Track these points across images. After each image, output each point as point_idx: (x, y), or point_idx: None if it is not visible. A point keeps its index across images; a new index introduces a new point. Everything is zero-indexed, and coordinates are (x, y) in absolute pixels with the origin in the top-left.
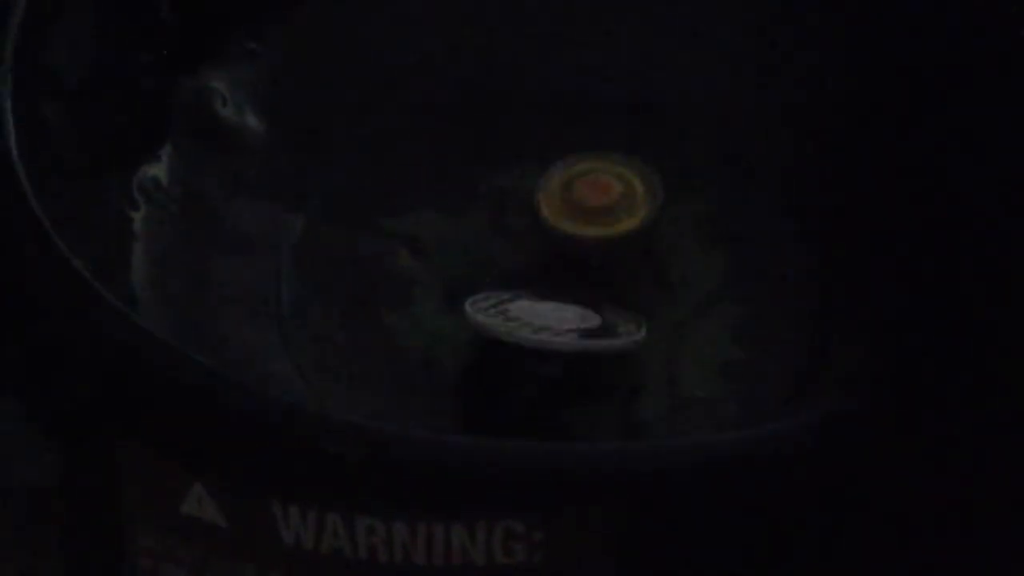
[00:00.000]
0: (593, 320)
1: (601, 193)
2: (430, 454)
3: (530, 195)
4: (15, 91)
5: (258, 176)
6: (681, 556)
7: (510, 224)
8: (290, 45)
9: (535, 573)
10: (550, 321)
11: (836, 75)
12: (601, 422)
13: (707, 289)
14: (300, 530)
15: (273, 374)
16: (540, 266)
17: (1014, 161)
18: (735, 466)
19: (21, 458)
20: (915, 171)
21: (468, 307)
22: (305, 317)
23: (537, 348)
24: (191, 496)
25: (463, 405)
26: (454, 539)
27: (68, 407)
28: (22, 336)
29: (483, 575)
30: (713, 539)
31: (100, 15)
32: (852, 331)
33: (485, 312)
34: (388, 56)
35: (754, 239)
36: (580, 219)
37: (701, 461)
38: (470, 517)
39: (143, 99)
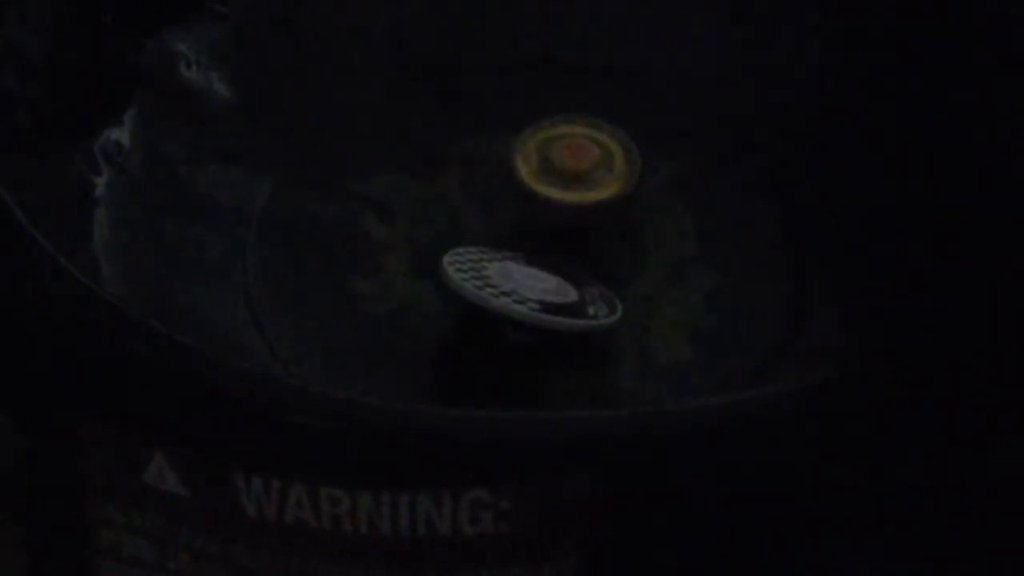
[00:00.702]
0: (569, 294)
1: (579, 157)
2: (395, 423)
3: (502, 159)
4: None
5: (224, 141)
6: (649, 526)
7: (481, 188)
8: (257, 8)
9: (501, 543)
10: (524, 288)
11: (820, 46)
12: (573, 390)
13: (682, 254)
14: (263, 501)
15: (239, 342)
16: (512, 230)
17: (1009, 150)
18: (706, 435)
19: None
20: (897, 144)
21: (445, 260)
22: (272, 284)
23: (501, 312)
24: (152, 467)
25: (432, 373)
26: (419, 509)
27: (26, 379)
28: None
29: (449, 545)
30: (683, 509)
31: None
32: (828, 298)
33: (459, 269)
34: (357, 19)
35: (730, 204)
36: (557, 182)
37: (672, 430)
38: (436, 486)
39: (107, 62)
